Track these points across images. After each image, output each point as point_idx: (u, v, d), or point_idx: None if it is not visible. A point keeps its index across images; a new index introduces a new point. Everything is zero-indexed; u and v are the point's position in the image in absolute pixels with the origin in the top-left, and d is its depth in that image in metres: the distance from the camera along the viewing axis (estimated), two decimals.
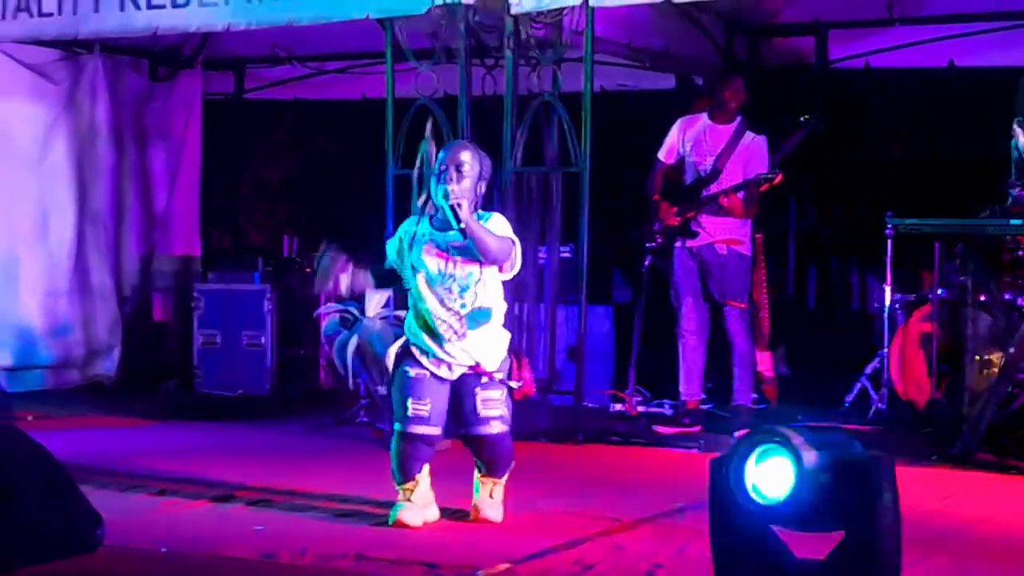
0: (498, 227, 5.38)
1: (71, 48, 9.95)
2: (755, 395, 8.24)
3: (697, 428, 7.98)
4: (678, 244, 8.06)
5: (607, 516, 5.61)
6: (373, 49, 10.06)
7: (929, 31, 9.15)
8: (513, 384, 5.42)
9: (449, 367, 5.38)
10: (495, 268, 5.39)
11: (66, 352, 9.95)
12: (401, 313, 7.72)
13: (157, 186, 10.77)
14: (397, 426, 5.44)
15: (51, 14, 8.71)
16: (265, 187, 11.49)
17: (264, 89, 11.33)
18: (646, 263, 8.22)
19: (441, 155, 5.42)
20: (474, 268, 5.36)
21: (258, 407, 9.18)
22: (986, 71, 8.95)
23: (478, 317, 5.36)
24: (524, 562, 4.82)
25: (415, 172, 7.82)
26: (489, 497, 5.47)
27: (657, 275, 8.28)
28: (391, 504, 5.47)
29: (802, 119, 7.94)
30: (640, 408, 8.50)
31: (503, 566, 4.74)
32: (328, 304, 8.89)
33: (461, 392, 5.39)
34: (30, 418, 8.17)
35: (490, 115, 8.00)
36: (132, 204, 10.56)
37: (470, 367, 5.38)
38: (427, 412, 5.36)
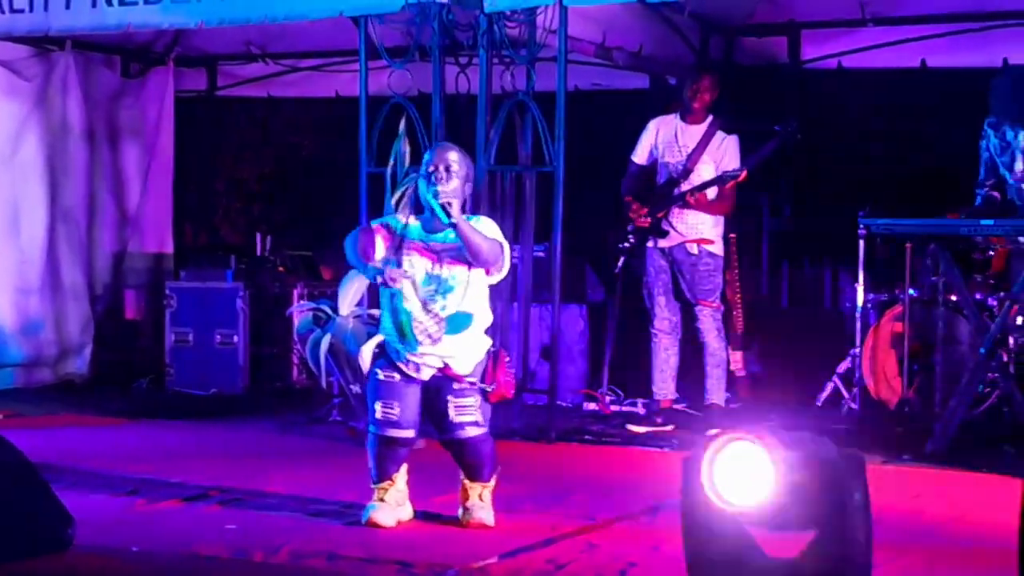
0: (487, 229, 5.38)
1: (42, 45, 9.91)
2: (728, 394, 8.26)
3: (670, 427, 7.99)
4: (650, 244, 8.08)
5: (580, 515, 5.62)
6: (347, 47, 10.06)
7: (901, 32, 9.20)
8: (486, 388, 5.41)
9: (417, 368, 5.36)
10: (482, 272, 5.36)
11: (37, 350, 9.91)
12: (375, 312, 7.72)
13: (129, 183, 10.74)
14: (371, 428, 5.43)
15: (23, 10, 8.65)
16: (238, 185, 11.46)
17: (237, 86, 11.30)
18: (620, 264, 8.23)
19: (428, 156, 5.42)
20: (460, 270, 5.33)
21: (231, 406, 9.15)
22: (958, 72, 9.00)
23: (458, 322, 5.33)
24: (497, 561, 4.82)
25: (388, 170, 7.78)
26: (479, 500, 5.42)
27: (631, 275, 8.29)
28: (364, 503, 5.46)
29: (777, 127, 7.97)
30: (613, 407, 8.52)
31: (476, 565, 4.74)
32: (301, 302, 8.87)
33: (434, 398, 5.37)
34: (0, 416, 8.13)
35: (464, 113, 8.00)
36: (104, 201, 10.53)
37: (439, 369, 5.36)
38: (396, 415, 5.35)
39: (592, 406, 8.59)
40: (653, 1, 7.96)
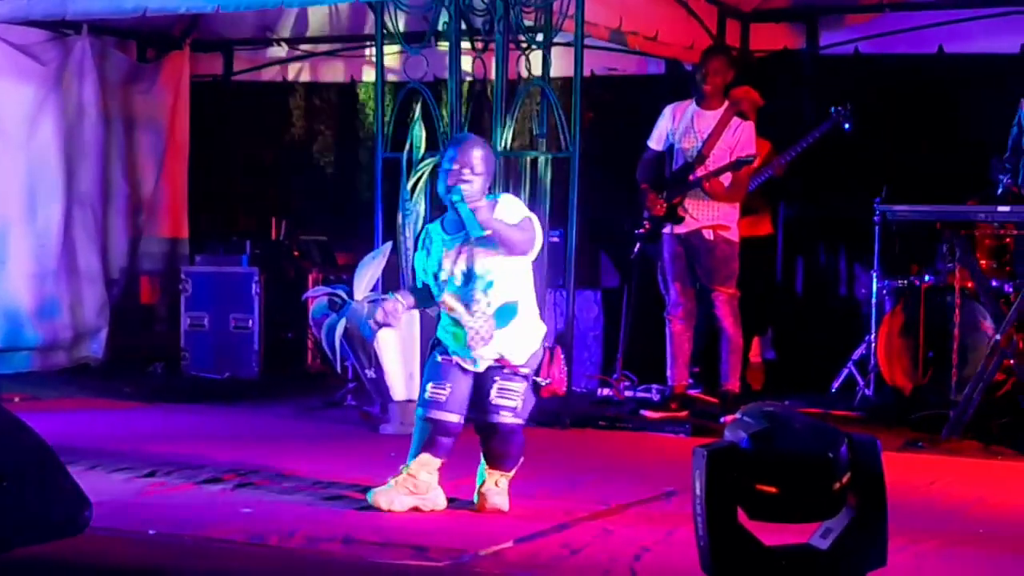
0: (512, 210, 5.28)
1: (59, 29, 9.92)
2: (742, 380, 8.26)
3: (684, 413, 7.99)
4: (666, 230, 8.07)
5: (594, 500, 5.63)
6: (363, 31, 10.07)
7: (918, 18, 9.17)
8: (541, 381, 5.38)
9: (475, 362, 5.33)
10: (518, 257, 5.30)
11: (53, 334, 9.93)
12: (388, 297, 7.72)
13: (145, 168, 10.75)
14: (418, 410, 5.38)
15: None
16: (254, 169, 11.46)
17: (253, 71, 11.31)
18: (635, 250, 8.23)
19: (451, 152, 5.30)
20: (494, 262, 5.27)
21: (246, 390, 9.18)
22: (975, 58, 8.97)
23: (504, 314, 5.29)
24: (512, 546, 4.83)
25: (404, 155, 7.81)
26: (495, 486, 5.39)
27: (646, 261, 8.29)
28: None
29: (832, 110, 8.00)
30: (627, 393, 8.51)
31: (491, 550, 4.75)
32: (316, 287, 8.87)
33: (483, 379, 5.34)
34: (17, 400, 8.17)
35: (479, 99, 7.99)
36: (120, 186, 10.54)
37: (496, 359, 5.32)
38: (444, 396, 5.30)
39: (606, 392, 8.59)
40: None
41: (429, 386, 5.35)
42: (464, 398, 5.35)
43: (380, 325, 5.37)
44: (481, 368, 5.34)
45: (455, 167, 5.24)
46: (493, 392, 5.31)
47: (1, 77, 9.64)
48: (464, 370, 5.35)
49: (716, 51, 8.38)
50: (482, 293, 5.28)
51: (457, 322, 5.31)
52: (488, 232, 5.15)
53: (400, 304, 5.39)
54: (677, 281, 8.07)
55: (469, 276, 5.29)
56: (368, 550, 4.75)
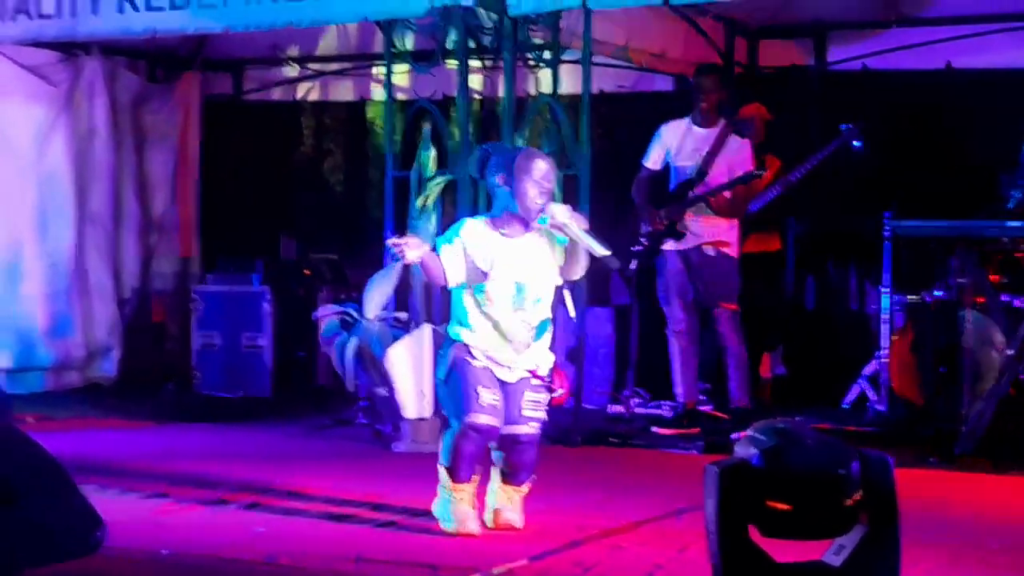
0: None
1: (70, 50, 9.97)
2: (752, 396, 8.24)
3: (696, 430, 7.98)
4: (666, 246, 8.07)
5: (606, 517, 5.63)
6: (372, 50, 10.10)
7: (926, 33, 9.17)
8: (558, 391, 5.40)
9: (510, 369, 5.31)
10: (558, 276, 5.35)
11: (66, 353, 9.96)
12: (401, 315, 7.75)
13: (156, 187, 10.78)
14: (465, 417, 5.21)
15: (50, 16, 8.71)
16: (264, 188, 11.48)
17: (263, 91, 11.34)
18: (632, 267, 8.23)
19: (526, 165, 5.23)
20: (546, 277, 5.31)
21: (257, 409, 9.18)
22: (984, 73, 8.97)
23: (542, 328, 5.33)
24: (524, 564, 4.83)
25: (414, 174, 7.84)
26: (509, 503, 5.38)
27: (649, 277, 8.29)
28: (390, 506, 5.47)
29: (843, 127, 8.02)
30: (638, 410, 8.51)
31: (503, 568, 4.75)
32: (327, 306, 8.91)
33: (512, 390, 5.30)
34: (30, 420, 8.17)
35: (489, 117, 8.01)
36: (131, 206, 10.57)
37: (529, 371, 5.32)
38: (499, 403, 5.23)
39: (617, 408, 8.59)
40: (677, 3, 7.96)
41: (482, 391, 5.20)
42: (503, 408, 5.29)
43: (395, 247, 5.19)
44: (514, 379, 5.31)
45: (544, 183, 5.25)
46: (524, 403, 5.29)
47: (12, 98, 9.69)
48: (498, 379, 5.30)
49: (709, 69, 8.40)
50: (532, 304, 5.28)
51: (498, 328, 5.27)
52: (608, 252, 5.17)
53: (424, 248, 5.26)
54: (677, 297, 8.09)
55: (524, 287, 5.28)
56: (380, 569, 4.76)
